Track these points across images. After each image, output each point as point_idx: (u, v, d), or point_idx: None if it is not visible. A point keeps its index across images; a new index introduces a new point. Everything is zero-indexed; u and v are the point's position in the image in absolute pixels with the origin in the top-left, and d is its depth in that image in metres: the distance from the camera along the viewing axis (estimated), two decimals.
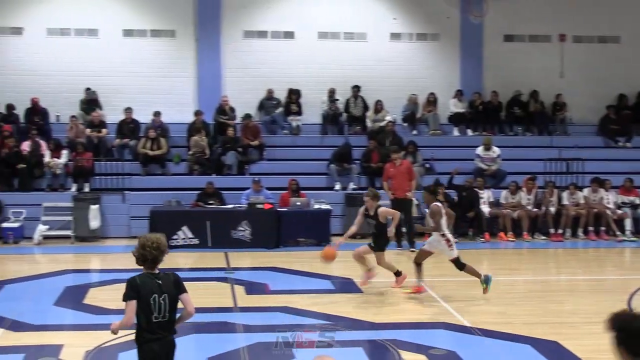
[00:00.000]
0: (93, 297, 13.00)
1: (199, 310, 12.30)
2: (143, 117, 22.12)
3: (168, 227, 17.87)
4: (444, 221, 12.96)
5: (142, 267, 6.74)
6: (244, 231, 18.18)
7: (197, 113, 22.09)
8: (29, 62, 22.92)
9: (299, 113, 23.29)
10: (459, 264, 13.04)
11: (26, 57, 22.96)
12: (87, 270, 16.53)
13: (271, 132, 23.06)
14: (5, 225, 18.98)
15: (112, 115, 22.36)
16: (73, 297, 12.74)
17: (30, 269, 16.18)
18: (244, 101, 22.96)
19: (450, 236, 13.06)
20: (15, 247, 18.46)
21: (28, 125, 21.71)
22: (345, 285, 14.08)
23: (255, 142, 21.74)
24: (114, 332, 6.86)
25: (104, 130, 21.77)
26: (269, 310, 12.24)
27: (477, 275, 13.03)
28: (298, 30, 23.92)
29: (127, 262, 16.19)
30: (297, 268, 15.52)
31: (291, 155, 22.02)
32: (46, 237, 18.91)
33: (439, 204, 13.21)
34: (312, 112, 23.41)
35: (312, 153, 22.17)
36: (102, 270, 16.76)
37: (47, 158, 20.46)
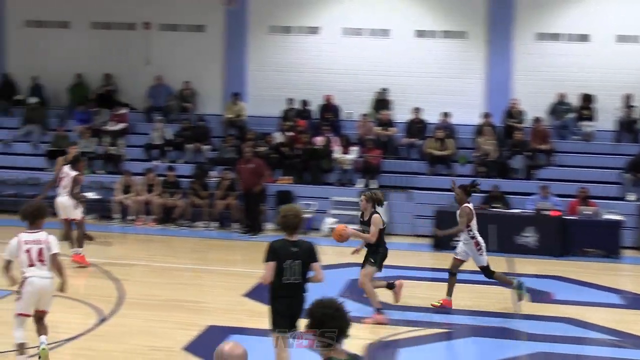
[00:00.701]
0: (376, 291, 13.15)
1: (479, 313, 12.31)
2: (431, 117, 22.27)
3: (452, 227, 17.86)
4: (474, 224, 12.24)
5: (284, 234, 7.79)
6: (529, 237, 17.78)
7: (485, 115, 21.90)
8: (324, 61, 23.82)
9: (591, 118, 22.37)
10: (488, 271, 12.31)
11: (322, 56, 23.86)
12: None
13: (561, 137, 22.34)
14: None
15: (400, 114, 22.69)
16: (356, 290, 12.98)
17: None
18: (533, 104, 22.40)
19: (480, 239, 12.24)
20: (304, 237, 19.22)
21: (320, 121, 22.61)
22: (637, 301, 13.34)
23: (544, 147, 21.20)
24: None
25: (392, 129, 22.17)
26: (552, 320, 11.89)
27: (509, 282, 12.40)
28: (594, 32, 22.92)
29: (412, 260, 16.59)
30: (584, 279, 14.92)
31: (582, 162, 21.26)
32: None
33: (470, 205, 12.44)
34: (606, 118, 22.36)
35: (604, 161, 21.25)
36: (386, 266, 16.91)
37: (337, 154, 21.17)
